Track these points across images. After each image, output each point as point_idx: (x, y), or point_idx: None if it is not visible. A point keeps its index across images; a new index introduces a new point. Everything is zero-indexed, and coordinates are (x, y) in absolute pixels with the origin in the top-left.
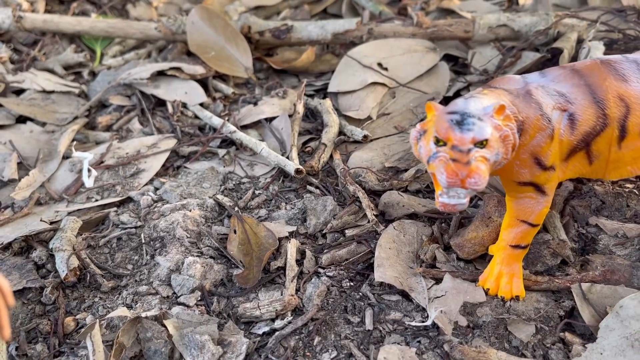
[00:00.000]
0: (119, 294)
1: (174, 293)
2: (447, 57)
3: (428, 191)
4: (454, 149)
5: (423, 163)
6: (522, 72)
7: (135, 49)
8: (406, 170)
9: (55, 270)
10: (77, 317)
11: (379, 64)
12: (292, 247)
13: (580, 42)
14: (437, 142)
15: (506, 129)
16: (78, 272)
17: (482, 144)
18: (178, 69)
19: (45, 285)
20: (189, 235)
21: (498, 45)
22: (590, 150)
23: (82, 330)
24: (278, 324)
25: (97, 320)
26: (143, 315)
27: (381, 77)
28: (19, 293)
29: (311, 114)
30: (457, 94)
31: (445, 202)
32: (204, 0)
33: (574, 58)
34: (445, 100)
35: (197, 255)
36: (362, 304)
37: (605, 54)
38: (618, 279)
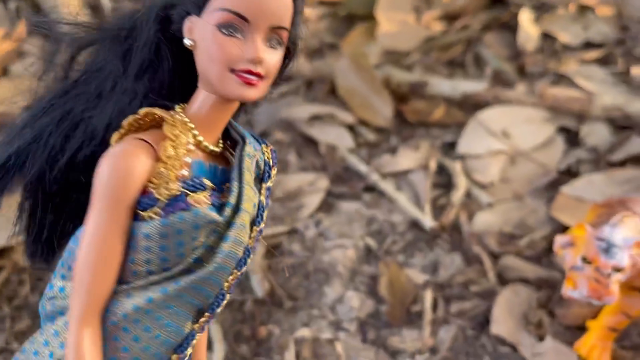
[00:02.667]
0: (297, 313)
1: (339, 319)
2: (561, 127)
3: (537, 258)
4: (597, 270)
5: (564, 267)
6: (628, 158)
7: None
8: (521, 236)
9: (250, 286)
10: (268, 326)
11: (503, 132)
12: (428, 295)
13: None
14: (584, 259)
15: (637, 258)
16: (269, 293)
17: (619, 269)
18: (332, 115)
19: (246, 299)
20: (346, 272)
21: (611, 126)
22: None
23: (276, 341)
24: (418, 358)
25: (292, 339)
26: (321, 337)
27: (504, 145)
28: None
29: (440, 169)
30: (569, 170)
31: (573, 297)
32: (346, 38)
33: None
34: (559, 175)
35: (354, 290)
36: (481, 350)
37: None
38: None
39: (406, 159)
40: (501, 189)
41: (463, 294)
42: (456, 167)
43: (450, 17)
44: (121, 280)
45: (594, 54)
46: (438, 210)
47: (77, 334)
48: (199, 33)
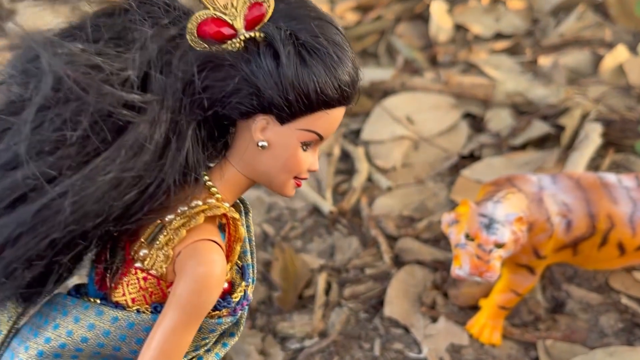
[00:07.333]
0: None
1: None
2: (467, 114)
3: (435, 241)
4: (479, 247)
5: (451, 245)
6: (529, 142)
7: None
8: (420, 219)
9: None
10: None
11: (408, 118)
12: (321, 279)
13: (584, 117)
14: (467, 236)
15: (520, 234)
16: None
17: (500, 245)
18: None
19: None
20: None
21: (513, 111)
22: (576, 248)
23: None
24: (307, 342)
25: None
26: None
27: (408, 131)
28: None
29: (345, 155)
30: (472, 155)
31: (461, 276)
32: None
33: (576, 134)
34: (461, 159)
35: None
36: (373, 333)
37: (603, 134)
38: (576, 339)
39: None
40: (403, 173)
41: (358, 278)
42: (359, 152)
43: (364, 8)
44: None
45: (503, 44)
46: (340, 196)
47: None
48: (278, 140)
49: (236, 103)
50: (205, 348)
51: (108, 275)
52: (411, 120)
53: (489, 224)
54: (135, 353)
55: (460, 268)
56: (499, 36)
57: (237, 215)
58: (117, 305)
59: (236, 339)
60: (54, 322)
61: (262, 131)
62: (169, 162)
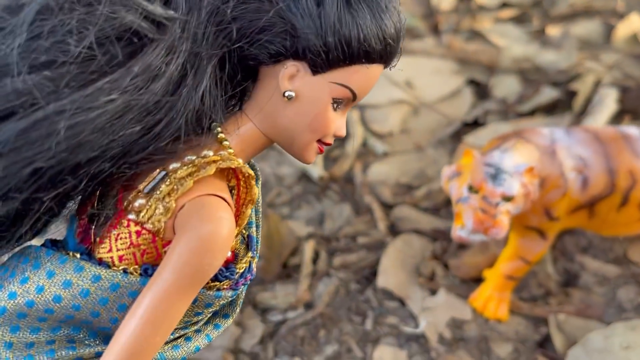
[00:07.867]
0: None
1: None
2: (470, 80)
3: (435, 209)
4: (484, 199)
5: (452, 201)
6: (537, 108)
7: None
8: (418, 187)
9: None
10: None
11: (407, 82)
12: (309, 248)
13: (597, 83)
14: (470, 188)
15: (530, 187)
16: None
17: (508, 198)
18: None
19: None
20: None
21: (520, 77)
22: (592, 209)
23: None
24: (290, 314)
25: None
26: None
27: (407, 95)
28: None
29: None
30: (476, 122)
31: (463, 237)
32: None
33: (589, 100)
34: (464, 126)
35: None
36: (365, 306)
37: (618, 100)
38: (591, 314)
39: None
40: (401, 139)
41: (349, 246)
42: (352, 116)
43: None
44: None
45: (509, 12)
46: (332, 162)
47: None
48: (308, 92)
49: (266, 41)
50: (196, 327)
51: (93, 226)
52: (411, 84)
53: (496, 174)
54: (116, 322)
55: (463, 227)
56: (504, 6)
57: (252, 172)
58: (100, 263)
59: (230, 321)
60: (23, 275)
61: (290, 79)
62: (182, 100)
